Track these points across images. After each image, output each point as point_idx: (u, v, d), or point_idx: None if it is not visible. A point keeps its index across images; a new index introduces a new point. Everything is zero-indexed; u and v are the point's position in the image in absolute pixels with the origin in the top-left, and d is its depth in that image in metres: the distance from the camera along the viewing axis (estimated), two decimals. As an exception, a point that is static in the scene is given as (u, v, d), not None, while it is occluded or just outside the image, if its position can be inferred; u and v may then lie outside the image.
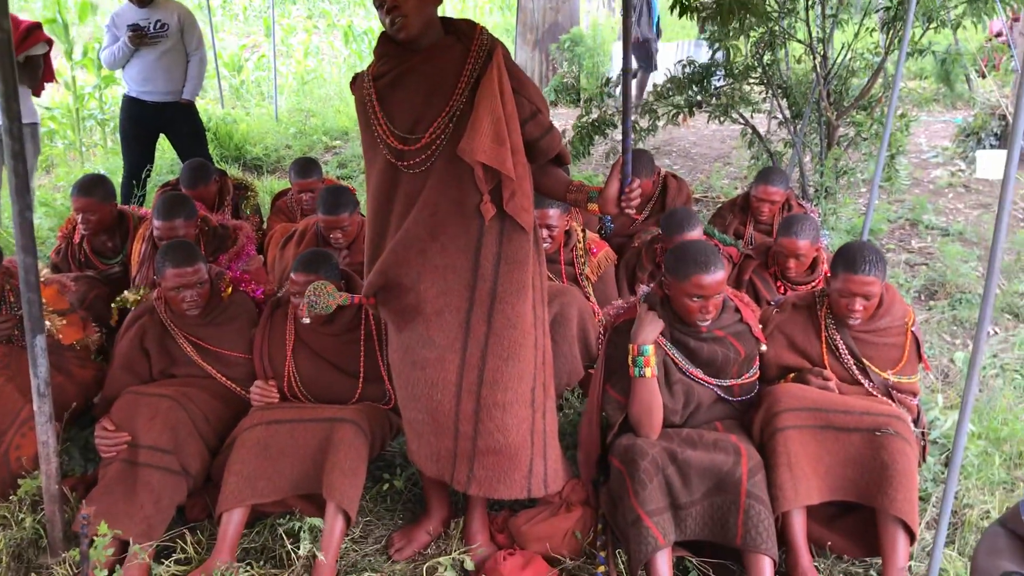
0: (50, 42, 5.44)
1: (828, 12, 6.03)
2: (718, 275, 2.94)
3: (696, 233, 4.01)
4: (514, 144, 2.60)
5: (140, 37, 5.89)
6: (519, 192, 2.65)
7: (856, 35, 6.13)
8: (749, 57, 6.17)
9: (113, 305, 3.68)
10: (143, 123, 6.21)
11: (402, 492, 3.36)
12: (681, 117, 6.36)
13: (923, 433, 3.26)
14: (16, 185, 2.54)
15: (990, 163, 7.91)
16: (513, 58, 2.73)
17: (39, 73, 5.35)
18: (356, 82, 2.77)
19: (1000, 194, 2.44)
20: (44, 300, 2.87)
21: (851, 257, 3.12)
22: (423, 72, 2.62)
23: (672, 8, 5.61)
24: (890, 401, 3.16)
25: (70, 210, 6.26)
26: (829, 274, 3.26)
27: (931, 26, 5.72)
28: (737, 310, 3.19)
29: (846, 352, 3.22)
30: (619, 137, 6.64)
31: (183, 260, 3.26)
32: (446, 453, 2.80)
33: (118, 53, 6.00)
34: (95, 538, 2.60)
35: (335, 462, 2.93)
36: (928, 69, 11.22)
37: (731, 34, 5.61)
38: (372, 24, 14.84)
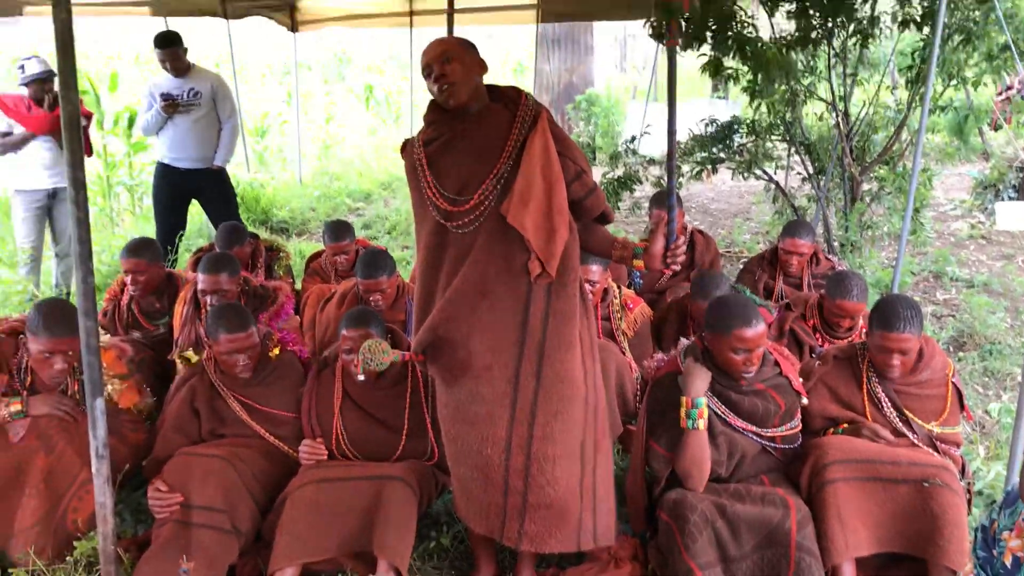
0: (89, 116, 5.60)
1: (848, 71, 6.16)
2: (759, 328, 3.00)
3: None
4: (559, 204, 2.67)
5: (173, 106, 6.08)
6: (564, 252, 2.71)
7: (877, 93, 6.24)
8: (772, 115, 6.28)
9: (176, 359, 3.76)
10: (175, 189, 6.37)
11: (448, 550, 3.36)
12: (705, 173, 6.46)
13: (968, 484, 3.26)
14: (80, 252, 2.61)
15: (1010, 215, 7.96)
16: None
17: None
18: (406, 148, 2.86)
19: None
20: (104, 364, 2.93)
21: (887, 315, 3.14)
22: (471, 137, 2.72)
23: (704, 69, 5.73)
24: (934, 452, 3.16)
25: (108, 276, 6.40)
26: (866, 328, 3.28)
27: (951, 83, 5.83)
28: (776, 363, 3.22)
29: (888, 405, 3.23)
30: (642, 193, 6.78)
31: (237, 326, 3.34)
32: (496, 509, 2.81)
33: (152, 120, 6.19)
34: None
35: (385, 519, 2.96)
36: (941, 124, 11.35)
37: (763, 92, 5.70)
38: (391, 88, 15.14)
